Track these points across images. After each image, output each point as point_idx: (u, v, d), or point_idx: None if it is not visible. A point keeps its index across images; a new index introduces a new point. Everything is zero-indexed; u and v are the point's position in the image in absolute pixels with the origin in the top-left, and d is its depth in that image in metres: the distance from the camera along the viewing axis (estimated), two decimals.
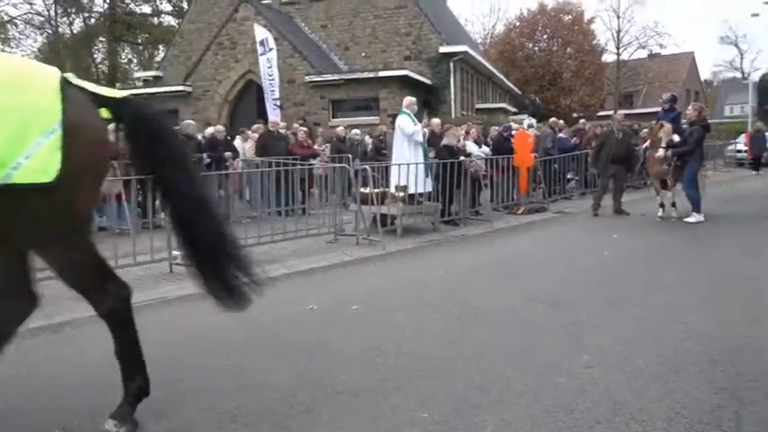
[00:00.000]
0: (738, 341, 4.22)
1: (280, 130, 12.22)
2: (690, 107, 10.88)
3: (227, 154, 11.16)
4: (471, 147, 11.60)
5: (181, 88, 22.33)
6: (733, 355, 3.96)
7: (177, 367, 3.96)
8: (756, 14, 34.43)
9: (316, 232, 8.74)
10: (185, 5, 36.00)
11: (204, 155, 10.94)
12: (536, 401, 3.34)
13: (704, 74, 64.58)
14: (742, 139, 25.70)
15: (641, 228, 9.93)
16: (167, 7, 40.42)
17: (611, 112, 38.51)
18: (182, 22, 28.45)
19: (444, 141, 10.46)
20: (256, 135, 12.43)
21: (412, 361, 4.00)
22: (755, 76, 46.02)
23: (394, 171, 9.43)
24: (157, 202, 8.89)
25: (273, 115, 16.39)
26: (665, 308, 5.14)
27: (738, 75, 72.78)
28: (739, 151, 24.92)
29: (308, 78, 21.00)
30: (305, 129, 13.31)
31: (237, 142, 12.40)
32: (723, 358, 3.90)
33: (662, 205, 10.62)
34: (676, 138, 10.14)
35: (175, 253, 6.90)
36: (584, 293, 5.72)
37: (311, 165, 11.02)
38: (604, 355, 4.02)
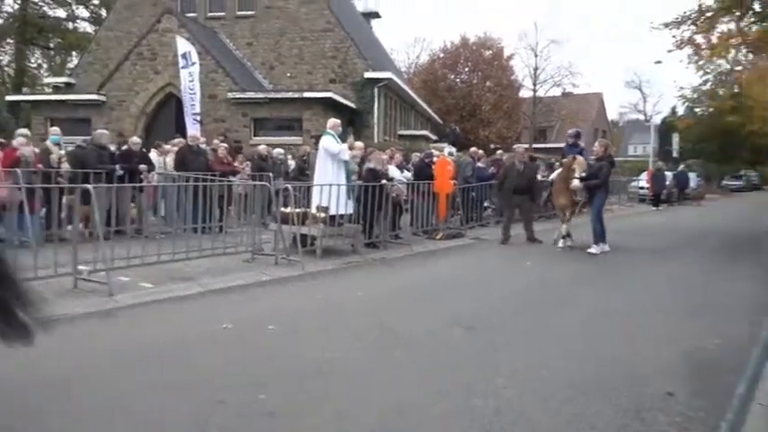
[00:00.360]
0: (642, 365, 4.43)
1: (200, 145, 11.90)
2: (596, 144, 11.20)
3: (143, 167, 10.73)
4: (394, 171, 11.72)
5: (94, 97, 21.41)
6: (637, 378, 4.15)
7: (82, 388, 3.72)
8: (659, 62, 36.96)
9: (233, 251, 8.51)
10: (104, 13, 34.75)
11: (117, 166, 10.48)
12: (453, 424, 3.35)
13: (611, 114, 68.71)
14: (644, 176, 27.43)
15: (554, 256, 10.31)
16: (84, 13, 38.86)
17: (526, 145, 40.27)
18: (99, 29, 27.39)
19: (370, 165, 10.51)
20: (175, 149, 12.04)
21: (330, 383, 3.93)
22: (657, 119, 49.42)
23: (316, 191, 9.37)
24: (63, 213, 8.47)
25: (193, 130, 15.96)
26: (575, 334, 5.33)
27: (642, 117, 77.87)
28: (641, 188, 26.56)
29: (230, 95, 20.66)
30: (225, 145, 13.02)
31: (153, 155, 11.96)
32: (629, 381, 4.07)
33: (564, 236, 10.92)
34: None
35: (81, 268, 6.55)
36: (499, 318, 5.85)
37: (231, 181, 10.78)
38: (519, 378, 4.11)
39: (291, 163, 14.22)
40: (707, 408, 3.63)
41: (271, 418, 3.36)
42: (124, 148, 11.26)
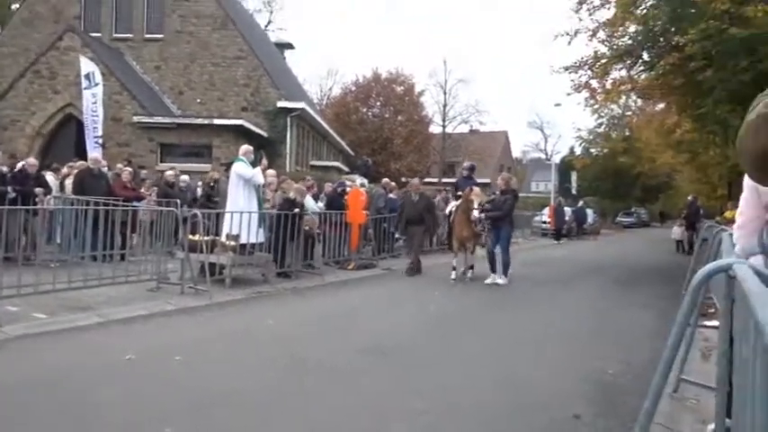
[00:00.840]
0: (550, 389, 4.57)
1: (101, 169, 11.34)
2: (499, 178, 11.37)
3: (38, 190, 10.07)
4: (309, 201, 11.65)
5: None
6: (546, 401, 4.27)
7: None
8: (559, 104, 39.46)
9: (136, 279, 8.10)
10: None
11: (9, 188, 9.79)
12: None
13: (515, 152, 71.96)
14: (546, 211, 28.79)
15: (463, 285, 10.53)
16: None
17: (435, 180, 41.33)
18: None
19: (290, 194, 10.39)
20: (74, 171, 11.41)
21: (239, 413, 3.79)
22: (557, 158, 52.16)
23: (227, 219, 9.14)
24: None
25: (95, 153, 15.21)
26: (483, 359, 5.45)
27: (543, 155, 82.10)
28: (544, 222, 27.83)
29: (136, 119, 19.92)
30: (129, 169, 12.50)
31: (50, 178, 11.27)
32: (538, 404, 4.19)
33: (454, 268, 10.75)
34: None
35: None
36: (412, 344, 5.89)
37: (135, 206, 10.32)
38: (435, 402, 4.13)
39: (199, 188, 13.82)
40: (612, 428, 3.79)
41: None
42: (17, 168, 10.53)
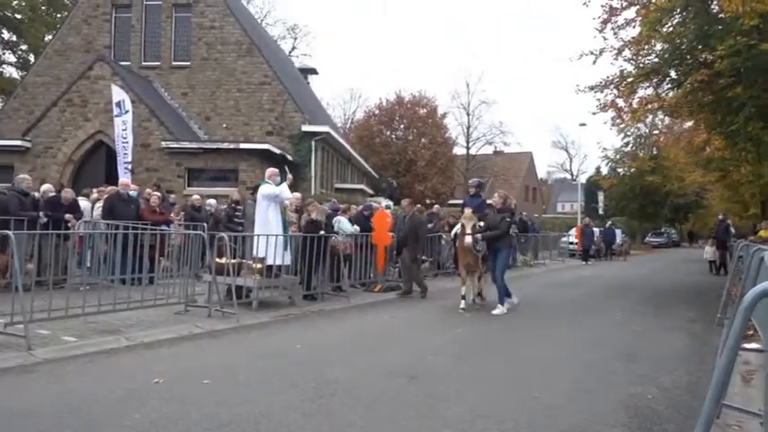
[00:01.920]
0: (582, 414, 4.44)
1: (130, 193, 11.52)
2: (495, 195, 10.27)
3: (68, 216, 10.24)
4: (345, 224, 11.67)
5: (18, 143, 20.52)
6: (578, 428, 4.15)
7: None
8: (583, 124, 39.10)
9: (164, 302, 8.16)
10: (32, 58, 33.83)
11: (41, 213, 9.99)
12: None
13: (540, 173, 71.50)
14: (573, 232, 28.48)
15: (490, 307, 10.39)
16: (11, 58, 37.75)
17: (460, 201, 41.15)
18: (26, 75, 26.53)
19: (312, 215, 10.43)
20: (104, 196, 11.60)
21: None
22: (583, 178, 51.79)
23: (255, 242, 9.18)
24: None
25: (124, 179, 15.48)
26: (517, 382, 5.33)
27: (568, 176, 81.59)
28: (571, 243, 27.51)
29: (164, 144, 20.25)
30: (158, 194, 12.67)
31: (83, 203, 11.49)
32: (572, 430, 4.07)
33: (463, 297, 9.90)
34: (480, 223, 9.84)
35: None
36: (441, 367, 5.79)
37: (163, 230, 10.42)
38: (464, 427, 4.04)
39: (222, 210, 13.91)
40: None
41: None
42: (51, 194, 10.75)
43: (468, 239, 9.54)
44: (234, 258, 8.97)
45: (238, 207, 12.51)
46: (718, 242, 20.44)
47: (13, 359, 5.51)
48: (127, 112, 17.85)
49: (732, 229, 21.36)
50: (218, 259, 8.91)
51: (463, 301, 9.87)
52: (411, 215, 11.87)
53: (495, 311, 9.50)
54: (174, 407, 4.28)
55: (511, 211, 10.14)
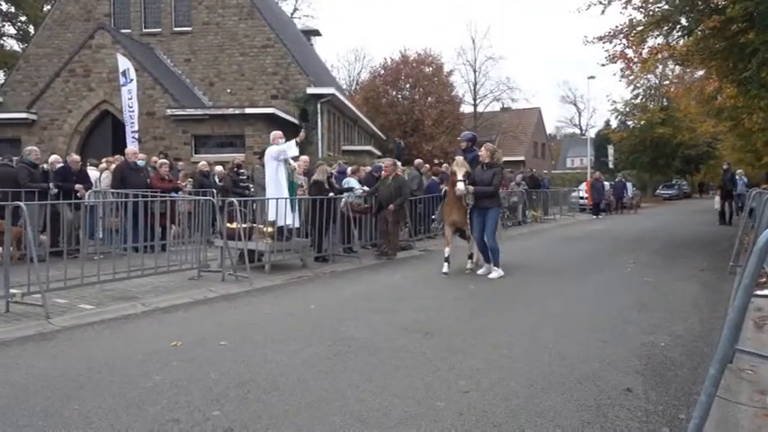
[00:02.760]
0: (597, 363, 4.49)
1: (138, 162, 11.53)
2: (483, 148, 9.19)
3: (78, 186, 10.28)
4: (353, 184, 11.66)
5: (24, 116, 20.53)
6: (593, 375, 4.20)
7: (22, 414, 3.49)
8: (592, 77, 38.35)
9: (177, 269, 8.25)
10: (32, 30, 33.55)
11: (51, 184, 10.04)
12: (416, 427, 3.30)
13: (549, 128, 70.84)
14: (583, 187, 28.35)
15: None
16: (11, 30, 37.45)
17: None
18: (27, 46, 26.36)
19: (315, 176, 10.42)
20: (112, 166, 11.64)
21: (286, 395, 3.82)
22: (592, 132, 51.27)
23: (269, 205, 9.20)
24: None
25: (133, 148, 15.47)
26: (531, 334, 5.39)
27: (577, 131, 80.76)
28: (581, 198, 27.42)
29: (169, 111, 20.19)
30: (167, 162, 12.68)
31: (92, 172, 11.53)
32: (585, 379, 4.12)
33: (447, 260, 9.20)
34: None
35: (14, 291, 6.20)
36: (455, 323, 5.85)
37: (173, 197, 10.45)
38: (480, 379, 4.10)
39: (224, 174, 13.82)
40: (665, 401, 3.71)
41: None
42: (60, 165, 10.78)
43: (461, 186, 8.67)
44: (245, 223, 9.02)
45: (241, 171, 12.51)
46: (723, 192, 20.27)
47: (32, 327, 5.61)
48: (132, 80, 17.73)
49: (739, 179, 21.12)
50: (228, 224, 8.96)
51: (446, 265, 9.12)
52: (395, 175, 11.37)
53: (492, 275, 8.75)
54: (193, 368, 4.37)
55: (500, 166, 9.24)
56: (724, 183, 20.23)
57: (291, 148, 9.40)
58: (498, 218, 9.21)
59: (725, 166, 21.81)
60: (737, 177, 20.82)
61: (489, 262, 9.02)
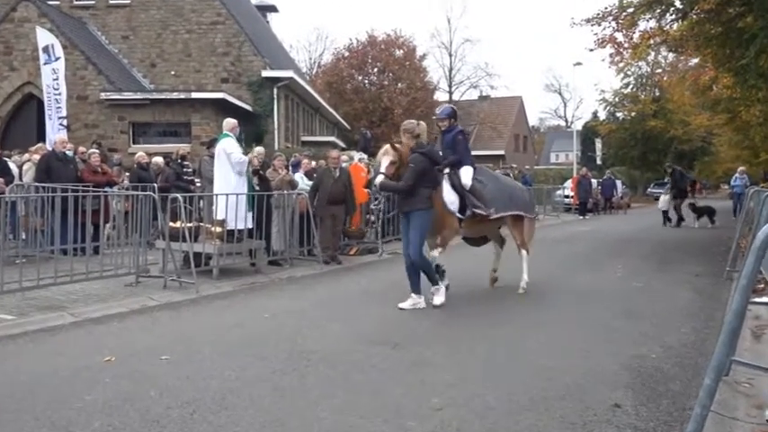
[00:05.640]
0: (582, 377, 4.56)
1: (67, 152, 11.30)
2: (401, 132, 7.60)
3: None
4: (298, 178, 11.60)
5: None
6: (579, 390, 4.26)
7: None
8: (579, 64, 38.77)
9: (112, 274, 8.12)
10: None
11: None
12: None
13: (532, 119, 71.64)
14: (568, 184, 28.75)
15: (470, 270, 10.48)
16: None
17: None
18: None
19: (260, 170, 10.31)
20: (36, 157, 11.38)
21: (237, 415, 3.79)
22: (579, 125, 52.01)
23: (217, 201, 9.08)
24: None
25: (59, 136, 15.14)
26: (509, 345, 5.44)
27: (562, 122, 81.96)
28: (567, 196, 27.80)
29: (104, 95, 19.86)
30: (97, 151, 12.47)
31: (12, 165, 11.27)
32: (570, 394, 4.18)
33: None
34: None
35: None
36: (426, 333, 5.88)
37: (107, 192, 10.26)
38: (453, 395, 4.12)
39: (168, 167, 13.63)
40: (656, 417, 3.78)
41: None
42: None
43: (380, 178, 7.24)
44: (190, 222, 8.91)
45: (185, 163, 12.37)
46: (676, 190, 20.19)
47: None
48: (58, 59, 17.30)
49: (740, 177, 21.75)
50: (172, 223, 8.84)
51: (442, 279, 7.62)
52: (342, 168, 11.27)
53: (435, 300, 7.24)
54: (130, 385, 4.30)
55: (425, 149, 7.36)
56: (674, 181, 20.44)
57: (244, 164, 9.34)
58: (425, 224, 7.21)
59: (668, 167, 22.09)
60: (737, 176, 21.43)
61: (433, 283, 7.34)
